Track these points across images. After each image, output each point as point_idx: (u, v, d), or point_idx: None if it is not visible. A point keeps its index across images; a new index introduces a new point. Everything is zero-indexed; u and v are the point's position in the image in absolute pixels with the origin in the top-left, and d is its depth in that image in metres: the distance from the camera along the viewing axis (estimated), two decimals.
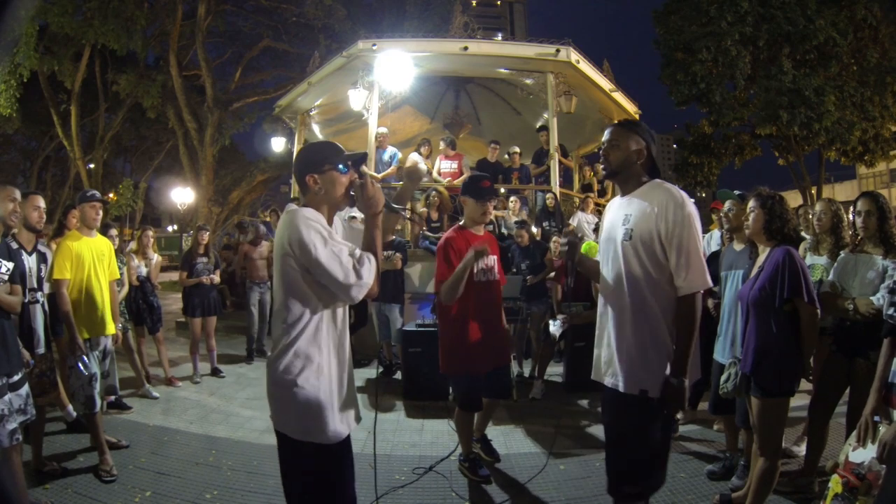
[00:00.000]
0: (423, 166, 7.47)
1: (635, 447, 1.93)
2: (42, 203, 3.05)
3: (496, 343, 3.17)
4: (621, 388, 1.92)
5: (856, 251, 2.87)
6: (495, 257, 3.21)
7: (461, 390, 3.23)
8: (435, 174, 7.65)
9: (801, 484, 2.96)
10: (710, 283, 1.88)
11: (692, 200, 1.92)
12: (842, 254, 2.98)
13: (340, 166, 1.81)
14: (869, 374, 2.69)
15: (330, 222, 1.85)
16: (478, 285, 3.09)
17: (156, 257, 5.37)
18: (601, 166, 2.06)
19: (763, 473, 2.48)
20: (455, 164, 7.74)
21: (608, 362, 2.00)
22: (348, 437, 1.82)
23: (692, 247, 1.84)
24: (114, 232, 4.64)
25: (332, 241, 1.69)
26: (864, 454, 2.03)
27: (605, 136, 2.04)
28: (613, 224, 2.03)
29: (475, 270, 3.07)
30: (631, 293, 1.92)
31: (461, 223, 3.26)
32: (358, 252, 1.75)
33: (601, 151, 2.05)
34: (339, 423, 1.76)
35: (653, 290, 1.89)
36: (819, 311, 2.45)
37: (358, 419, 1.88)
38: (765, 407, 2.46)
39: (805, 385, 3.16)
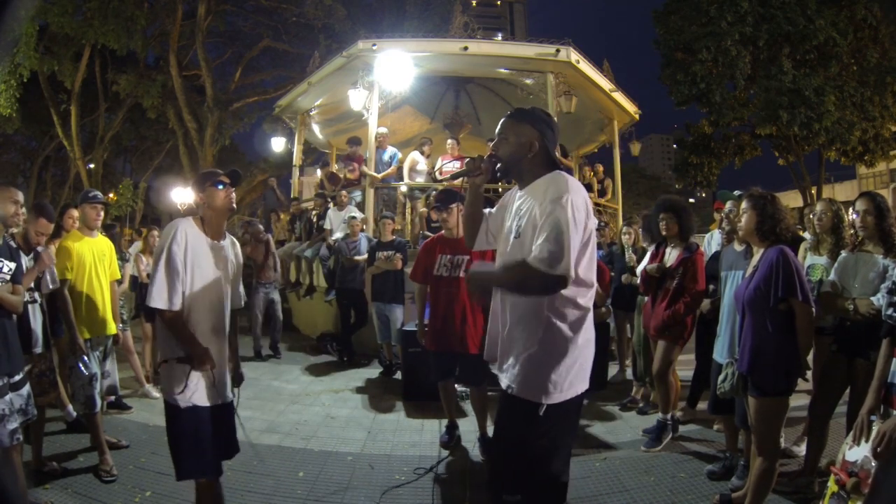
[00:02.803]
0: (422, 166, 7.52)
1: (513, 452, 1.79)
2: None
3: (453, 330, 3.57)
4: (504, 386, 1.80)
5: (856, 251, 2.87)
6: (466, 258, 3.57)
7: (432, 364, 3.74)
8: (436, 174, 7.65)
9: (801, 484, 2.97)
10: (570, 274, 1.61)
11: (581, 190, 1.73)
12: (842, 253, 2.98)
13: (216, 184, 2.30)
14: (869, 375, 2.70)
15: (219, 227, 2.35)
16: (437, 279, 3.64)
17: None
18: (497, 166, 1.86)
19: (762, 473, 2.48)
20: (457, 165, 7.75)
21: (502, 356, 1.85)
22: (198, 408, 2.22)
23: (559, 228, 1.62)
24: (116, 231, 4.72)
25: (171, 264, 2.14)
26: (860, 452, 2.03)
27: (497, 129, 1.90)
28: (508, 218, 1.90)
29: (436, 266, 3.63)
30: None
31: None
32: (174, 289, 2.15)
33: (491, 146, 1.90)
34: (190, 393, 2.18)
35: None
36: (814, 309, 2.46)
37: (219, 400, 2.28)
38: (762, 406, 2.47)
39: (805, 385, 3.17)
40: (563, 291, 1.68)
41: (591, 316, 1.79)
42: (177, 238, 2.17)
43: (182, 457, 2.23)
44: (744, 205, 2.60)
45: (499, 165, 1.86)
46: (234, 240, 2.47)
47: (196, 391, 2.21)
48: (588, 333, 1.78)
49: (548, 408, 1.70)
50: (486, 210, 2.07)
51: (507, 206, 1.96)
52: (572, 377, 1.73)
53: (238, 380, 2.50)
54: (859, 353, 2.74)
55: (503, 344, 1.83)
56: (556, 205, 1.65)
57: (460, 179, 2.05)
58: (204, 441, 2.23)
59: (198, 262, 2.22)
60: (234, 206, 2.39)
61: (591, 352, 1.80)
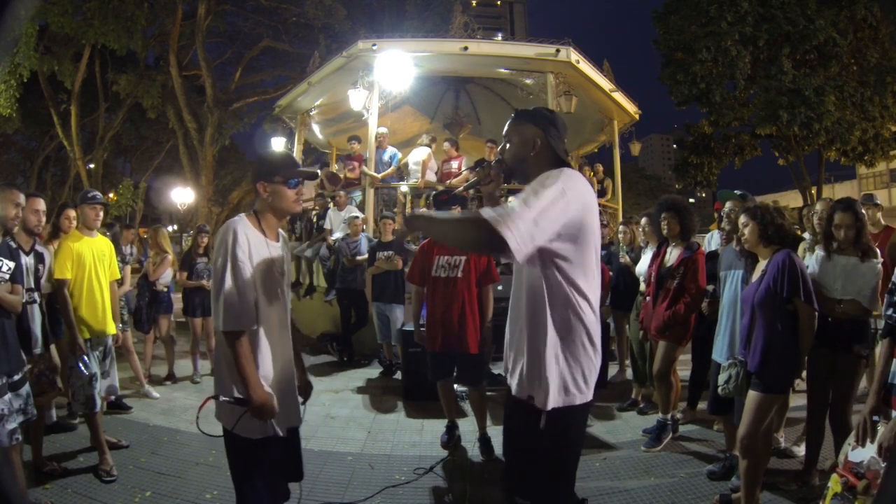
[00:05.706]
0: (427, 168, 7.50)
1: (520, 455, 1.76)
2: (42, 206, 3.05)
3: (451, 330, 3.56)
4: (513, 391, 1.73)
5: (833, 254, 2.97)
6: (463, 258, 3.60)
7: (430, 364, 3.72)
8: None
9: (801, 484, 2.97)
10: (525, 246, 1.43)
11: (579, 182, 1.57)
12: (818, 252, 3.07)
13: (290, 181, 1.94)
14: (852, 368, 2.88)
15: (276, 226, 2.02)
16: (435, 280, 3.65)
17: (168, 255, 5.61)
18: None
19: (748, 468, 2.60)
20: (456, 164, 7.76)
21: (511, 359, 1.80)
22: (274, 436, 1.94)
23: (533, 199, 1.48)
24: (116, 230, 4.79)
25: (238, 274, 1.81)
26: (864, 453, 2.04)
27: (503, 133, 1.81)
28: None
29: (434, 267, 3.63)
30: (528, 296, 1.68)
31: None
32: (241, 295, 1.82)
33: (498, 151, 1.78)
34: (249, 428, 1.88)
35: (547, 296, 1.62)
36: (817, 311, 2.54)
37: (288, 425, 2.00)
38: (762, 401, 2.53)
39: (805, 385, 3.18)
40: (570, 295, 1.60)
41: (596, 321, 1.70)
42: (239, 242, 1.82)
43: (244, 490, 1.94)
44: (742, 220, 2.71)
45: (504, 167, 1.82)
46: (286, 237, 2.18)
47: (257, 425, 1.89)
48: (593, 340, 1.69)
49: (551, 412, 1.62)
50: None
51: None
52: (578, 383, 1.65)
53: (306, 391, 2.18)
54: (842, 348, 2.85)
55: (513, 348, 1.77)
56: (542, 183, 1.54)
57: (472, 189, 2.02)
58: (267, 473, 1.95)
59: (261, 268, 1.88)
60: (300, 209, 2.07)
61: (596, 360, 1.71)
